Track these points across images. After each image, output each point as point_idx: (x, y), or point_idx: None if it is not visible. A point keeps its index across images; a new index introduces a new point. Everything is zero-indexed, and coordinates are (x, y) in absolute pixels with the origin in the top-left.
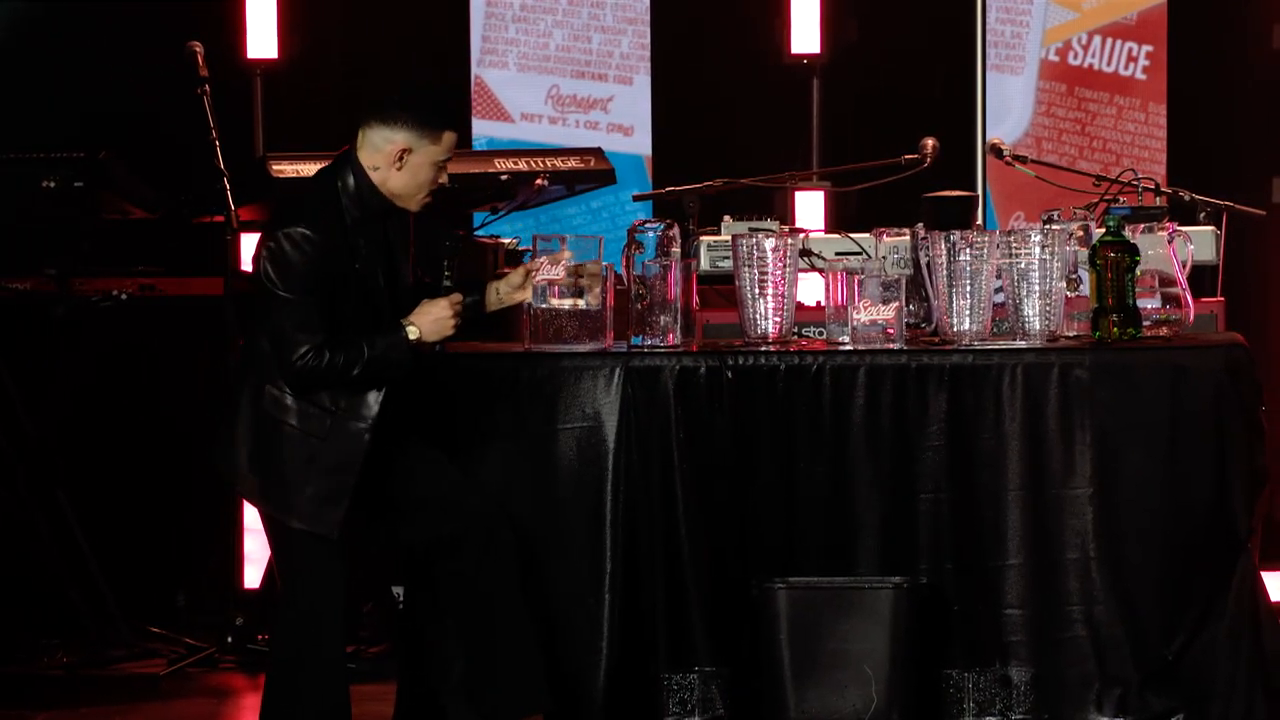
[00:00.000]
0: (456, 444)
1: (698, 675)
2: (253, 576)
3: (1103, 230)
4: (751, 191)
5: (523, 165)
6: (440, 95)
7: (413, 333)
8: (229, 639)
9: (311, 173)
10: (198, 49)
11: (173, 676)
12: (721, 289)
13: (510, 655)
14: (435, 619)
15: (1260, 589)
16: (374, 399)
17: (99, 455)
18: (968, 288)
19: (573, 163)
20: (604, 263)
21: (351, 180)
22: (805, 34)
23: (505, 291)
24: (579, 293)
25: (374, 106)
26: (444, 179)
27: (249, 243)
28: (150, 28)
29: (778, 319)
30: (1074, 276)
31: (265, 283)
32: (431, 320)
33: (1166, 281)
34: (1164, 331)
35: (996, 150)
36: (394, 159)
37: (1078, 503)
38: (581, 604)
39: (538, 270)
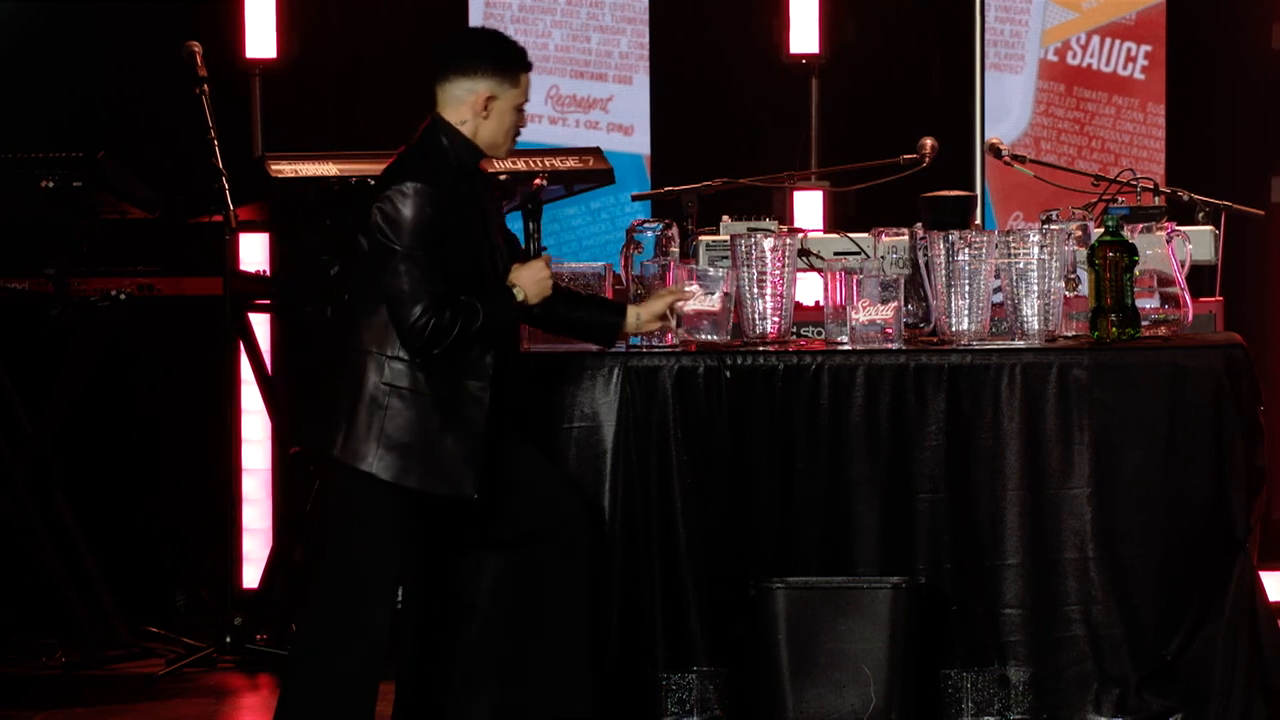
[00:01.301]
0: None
1: (696, 675)
2: (251, 576)
3: (1101, 230)
4: (750, 191)
5: (521, 165)
6: (508, 38)
7: (519, 294)
8: (227, 639)
9: (311, 172)
10: (196, 49)
11: (171, 677)
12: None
13: (558, 660)
14: (435, 619)
15: (1258, 589)
16: (488, 360)
17: (97, 455)
18: (966, 287)
19: (571, 162)
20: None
21: (445, 139)
22: (804, 34)
23: (646, 318)
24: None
25: (449, 60)
26: (524, 122)
27: (247, 243)
28: (149, 27)
29: (776, 319)
30: (1072, 276)
31: (380, 240)
32: (534, 280)
33: (1165, 281)
34: (1162, 331)
35: (995, 150)
36: (480, 108)
37: (1076, 502)
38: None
39: (685, 300)
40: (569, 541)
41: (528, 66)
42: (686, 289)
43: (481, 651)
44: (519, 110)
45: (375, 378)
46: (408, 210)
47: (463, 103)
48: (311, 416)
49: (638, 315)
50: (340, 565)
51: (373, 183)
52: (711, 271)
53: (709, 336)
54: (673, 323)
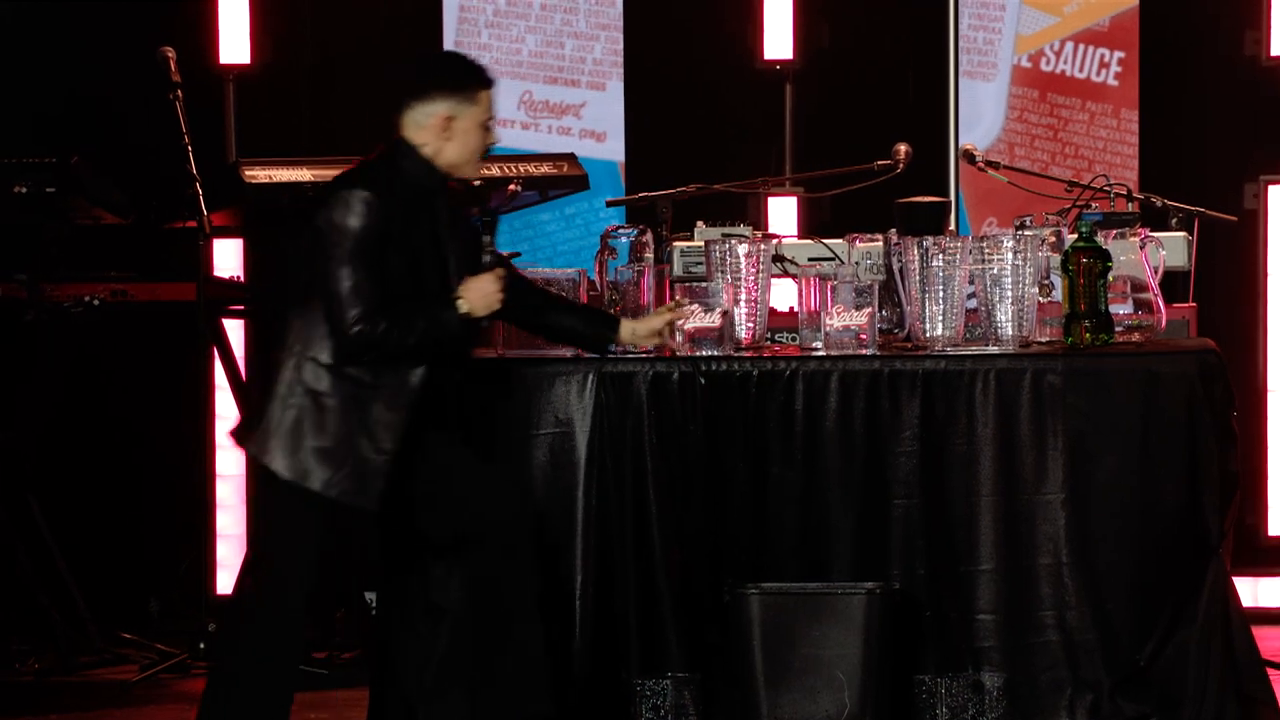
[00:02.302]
0: (426, 449)
1: (670, 681)
2: (225, 582)
3: (1075, 236)
4: (725, 197)
5: (495, 171)
6: (465, 58)
7: (463, 306)
8: (201, 645)
9: (285, 178)
10: (170, 54)
11: (145, 683)
12: None
13: (518, 659)
14: (407, 624)
15: (1231, 594)
16: (415, 378)
17: (70, 461)
18: (940, 293)
19: (546, 168)
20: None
21: (406, 161)
22: (778, 39)
23: (642, 333)
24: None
25: (406, 86)
26: (493, 139)
27: (221, 248)
28: (122, 32)
29: (750, 324)
30: (1046, 282)
31: (321, 243)
32: (480, 294)
33: (1139, 287)
34: (1136, 337)
35: (969, 156)
36: (440, 130)
37: (1050, 508)
38: (553, 609)
39: (685, 318)
40: (508, 544)
41: (488, 84)
42: (685, 307)
43: (452, 655)
44: (484, 128)
45: (292, 376)
46: (351, 218)
47: (423, 126)
48: (245, 410)
49: (633, 330)
50: (258, 557)
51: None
52: (711, 288)
53: (711, 353)
54: (669, 340)
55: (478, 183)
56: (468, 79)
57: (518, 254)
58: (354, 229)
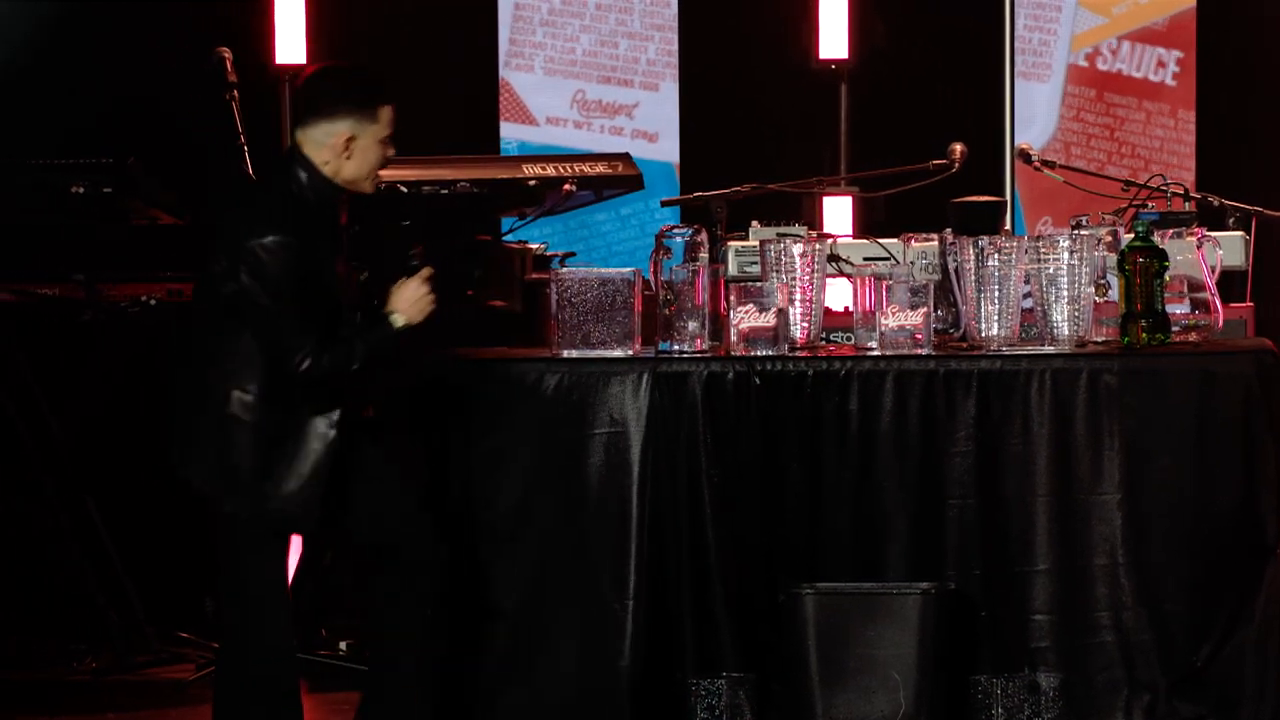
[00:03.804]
0: (482, 448)
1: (725, 681)
2: None
3: (1131, 235)
4: (779, 197)
5: (551, 171)
6: (366, 73)
7: (398, 320)
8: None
9: None
10: (226, 54)
11: (200, 682)
12: None
13: (389, 679)
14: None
15: None
16: (340, 400)
17: (127, 461)
18: (996, 293)
19: (601, 168)
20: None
21: (304, 176)
22: (833, 39)
23: (404, 303)
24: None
25: (307, 104)
26: (390, 151)
27: None
28: (179, 33)
29: (805, 324)
30: (1102, 282)
31: (247, 294)
32: (410, 302)
33: (1195, 287)
34: (1193, 337)
35: (1025, 155)
36: (341, 149)
37: (1106, 508)
38: (608, 609)
39: (740, 320)
40: (410, 563)
41: (388, 100)
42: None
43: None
44: (384, 143)
45: (217, 405)
46: (273, 268)
47: (323, 145)
48: (171, 437)
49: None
50: (224, 591)
51: (235, 212)
52: (766, 288)
53: (765, 352)
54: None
55: (532, 183)
56: (369, 97)
57: (572, 253)
58: (277, 278)
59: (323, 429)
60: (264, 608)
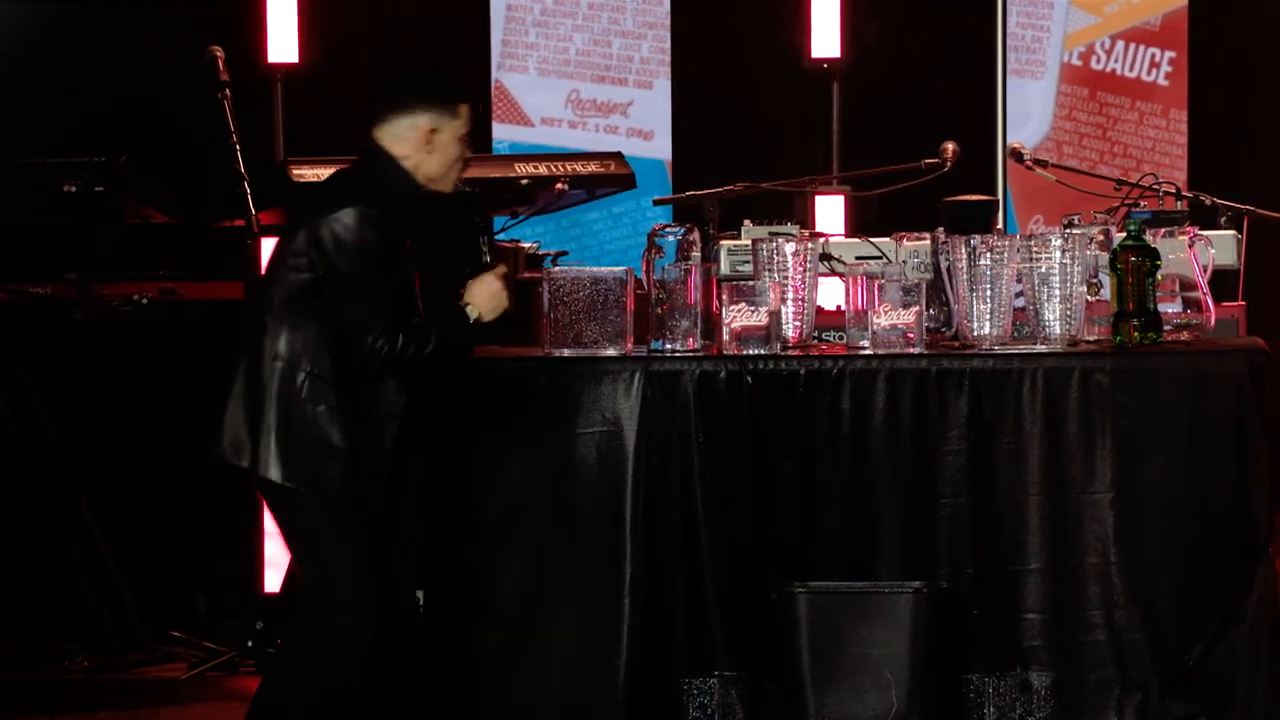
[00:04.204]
0: (475, 447)
1: (718, 680)
2: (273, 581)
3: (1123, 234)
4: (771, 196)
5: (543, 169)
6: (445, 71)
7: (472, 312)
8: (249, 643)
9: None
10: (218, 53)
11: (193, 681)
12: None
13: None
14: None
15: None
16: (401, 399)
17: (120, 460)
18: (988, 292)
19: (593, 167)
20: None
21: (386, 171)
22: (825, 38)
23: (483, 297)
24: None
25: (387, 99)
26: (468, 153)
27: (269, 247)
28: (171, 32)
29: (798, 323)
30: (1094, 281)
31: (329, 262)
32: (487, 297)
33: (1187, 286)
34: (1185, 336)
35: (1017, 154)
36: (423, 143)
37: (1098, 507)
38: (601, 608)
39: (733, 319)
40: (405, 545)
41: (467, 98)
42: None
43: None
44: (463, 141)
45: (288, 389)
46: (357, 234)
47: (404, 139)
48: (223, 429)
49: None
50: (315, 581)
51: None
52: (758, 287)
53: (757, 351)
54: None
55: (525, 182)
56: (450, 92)
57: (565, 252)
58: (365, 245)
59: (394, 409)
60: (360, 592)
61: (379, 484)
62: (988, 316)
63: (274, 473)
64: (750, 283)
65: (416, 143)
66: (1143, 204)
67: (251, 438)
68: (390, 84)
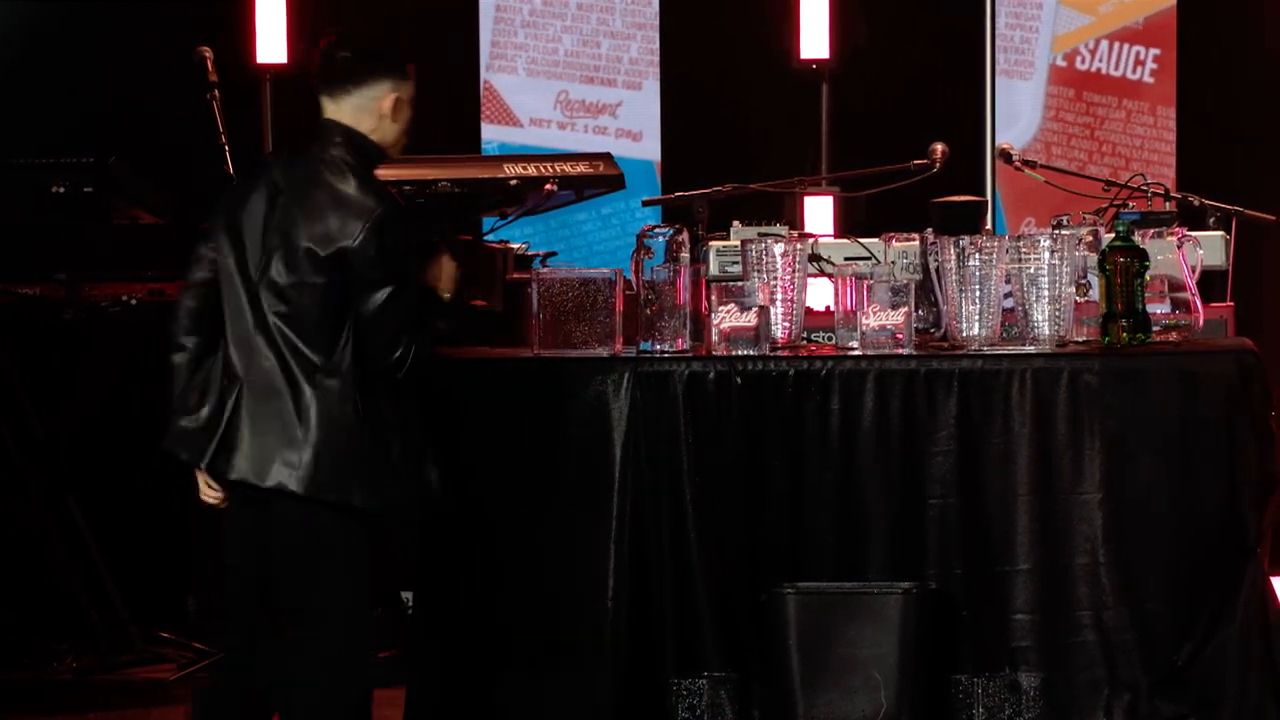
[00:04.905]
0: (463, 448)
1: (706, 680)
2: None
3: (1112, 235)
4: (760, 196)
5: (532, 170)
6: (384, 35)
7: (446, 295)
8: None
9: None
10: (207, 54)
11: (182, 681)
12: None
13: None
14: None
15: (1270, 595)
16: (411, 402)
17: (109, 460)
18: (977, 293)
19: (582, 168)
20: None
21: (359, 149)
22: (814, 38)
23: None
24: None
25: (346, 70)
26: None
27: None
28: (160, 32)
29: (787, 324)
30: (1083, 281)
31: (375, 267)
32: (446, 276)
33: (1176, 286)
34: (1173, 337)
35: (1005, 155)
36: (389, 111)
37: (1087, 508)
38: (590, 609)
39: (721, 320)
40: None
41: (412, 58)
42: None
43: None
44: (412, 104)
45: (336, 404)
46: (398, 238)
47: (367, 110)
48: (237, 448)
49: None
50: (335, 608)
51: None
52: (747, 287)
53: (747, 352)
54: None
55: (514, 183)
56: (400, 56)
57: (554, 253)
58: (402, 251)
59: (416, 411)
60: (367, 620)
61: (420, 493)
62: (976, 317)
63: (310, 489)
64: (739, 283)
65: (382, 113)
66: (1131, 205)
67: (286, 455)
68: (345, 55)
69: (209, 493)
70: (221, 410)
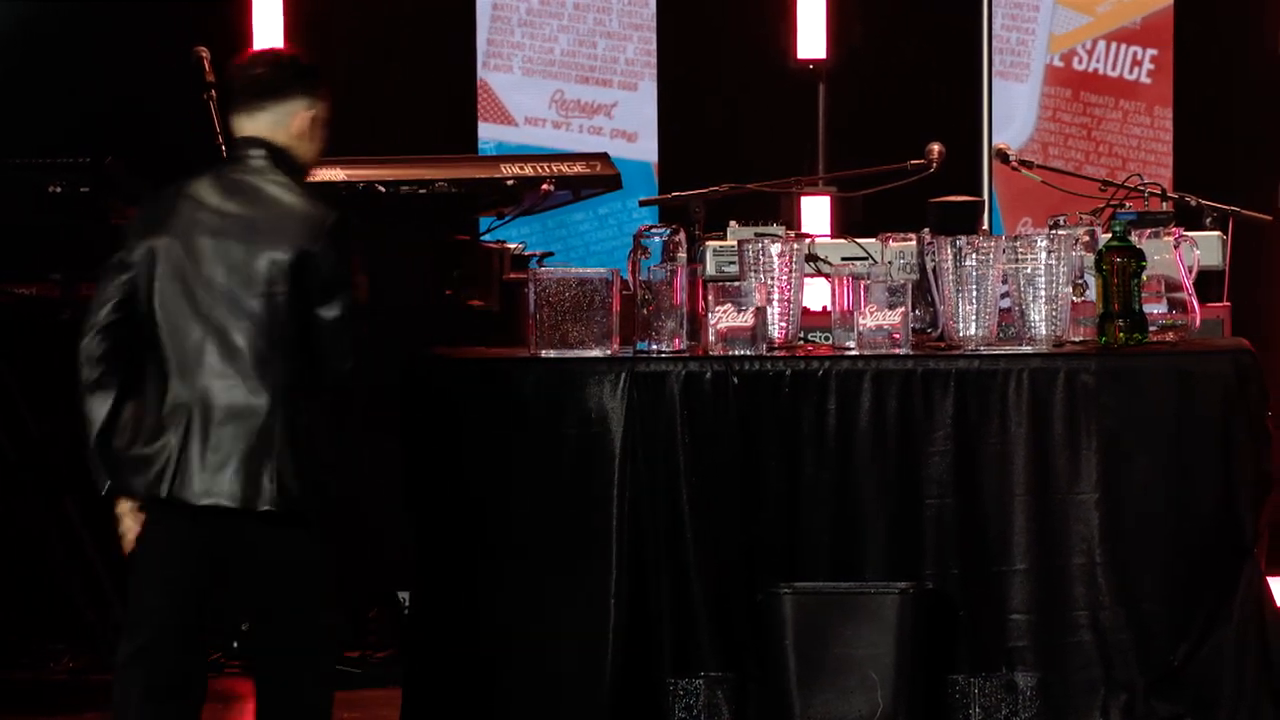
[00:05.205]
0: (460, 448)
1: (703, 681)
2: None
3: (1109, 235)
4: (757, 197)
5: (529, 170)
6: (299, 54)
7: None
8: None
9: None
10: (204, 54)
11: None
12: None
13: None
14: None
15: (1266, 595)
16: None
17: None
18: (974, 293)
19: (579, 168)
20: None
21: (285, 161)
22: (811, 39)
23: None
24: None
25: (259, 85)
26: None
27: None
28: (157, 32)
29: (783, 324)
30: (1080, 282)
31: (336, 282)
32: (361, 281)
33: (1173, 287)
34: (1170, 337)
35: (1002, 155)
36: (305, 130)
37: (1083, 508)
38: (587, 609)
39: (718, 320)
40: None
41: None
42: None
43: None
44: (324, 125)
45: (302, 418)
46: (349, 244)
47: (287, 128)
48: (209, 470)
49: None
50: (318, 606)
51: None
52: (744, 288)
53: (744, 352)
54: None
55: (510, 182)
56: (317, 73)
57: (550, 253)
58: (348, 254)
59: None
60: (335, 611)
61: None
62: (973, 317)
63: (287, 505)
64: (736, 283)
65: (298, 131)
66: (1128, 205)
67: (251, 477)
68: (260, 71)
69: (131, 525)
70: (171, 437)
